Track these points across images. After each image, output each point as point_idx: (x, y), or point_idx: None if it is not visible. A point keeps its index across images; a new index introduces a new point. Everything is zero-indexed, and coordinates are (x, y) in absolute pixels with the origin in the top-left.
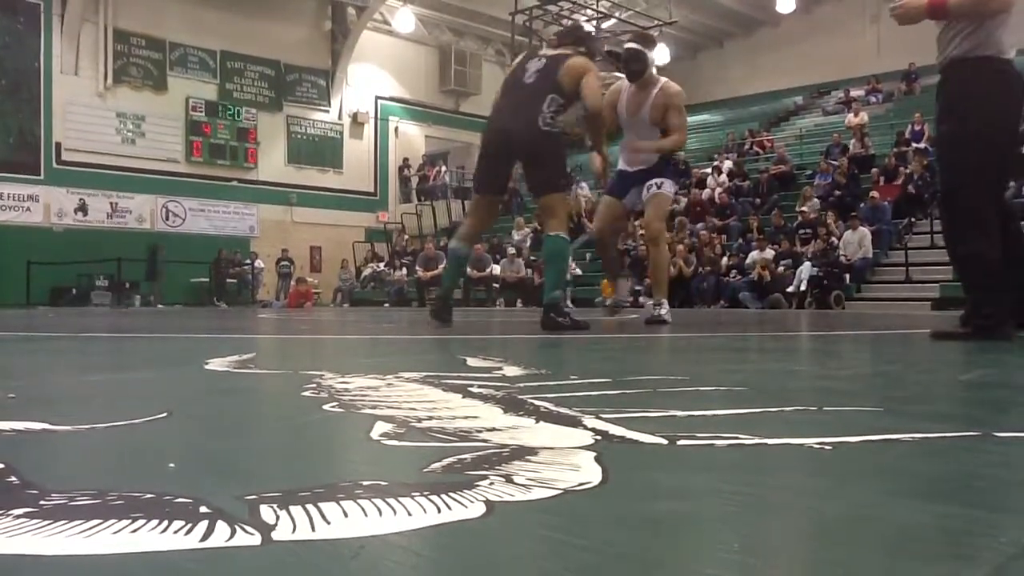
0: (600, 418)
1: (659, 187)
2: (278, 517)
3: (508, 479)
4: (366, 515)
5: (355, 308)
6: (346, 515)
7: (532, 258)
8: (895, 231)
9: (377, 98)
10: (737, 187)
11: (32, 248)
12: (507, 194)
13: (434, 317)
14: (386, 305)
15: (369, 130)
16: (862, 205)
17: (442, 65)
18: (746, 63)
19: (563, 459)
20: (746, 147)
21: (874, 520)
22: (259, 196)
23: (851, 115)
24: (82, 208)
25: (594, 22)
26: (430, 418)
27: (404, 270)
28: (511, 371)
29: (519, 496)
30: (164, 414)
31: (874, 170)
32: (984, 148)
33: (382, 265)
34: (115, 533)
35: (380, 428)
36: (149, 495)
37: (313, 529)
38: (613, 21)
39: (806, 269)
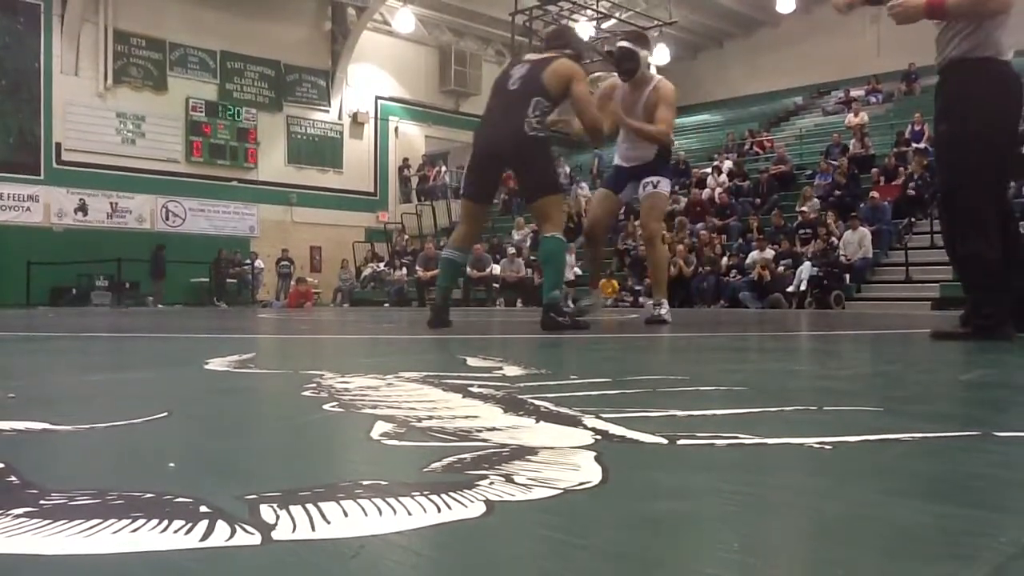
0: (600, 418)
1: (655, 186)
2: (278, 517)
3: (508, 479)
4: (366, 515)
5: (355, 308)
6: (346, 515)
7: (532, 258)
8: (895, 231)
9: (377, 98)
10: (737, 187)
11: (32, 248)
12: (507, 195)
13: (432, 327)
14: (386, 305)
15: (369, 130)
16: (862, 205)
17: (442, 65)
18: (746, 63)
19: (563, 459)
20: (746, 147)
21: (873, 520)
22: (259, 196)
23: (851, 115)
24: (82, 208)
25: (594, 22)
26: (430, 418)
27: (404, 270)
28: (511, 371)
29: (519, 496)
30: (164, 414)
31: (874, 170)
32: (983, 149)
33: (382, 265)
34: (115, 533)
35: (380, 428)
36: (149, 495)
37: (313, 529)
38: (613, 21)
39: (806, 269)
